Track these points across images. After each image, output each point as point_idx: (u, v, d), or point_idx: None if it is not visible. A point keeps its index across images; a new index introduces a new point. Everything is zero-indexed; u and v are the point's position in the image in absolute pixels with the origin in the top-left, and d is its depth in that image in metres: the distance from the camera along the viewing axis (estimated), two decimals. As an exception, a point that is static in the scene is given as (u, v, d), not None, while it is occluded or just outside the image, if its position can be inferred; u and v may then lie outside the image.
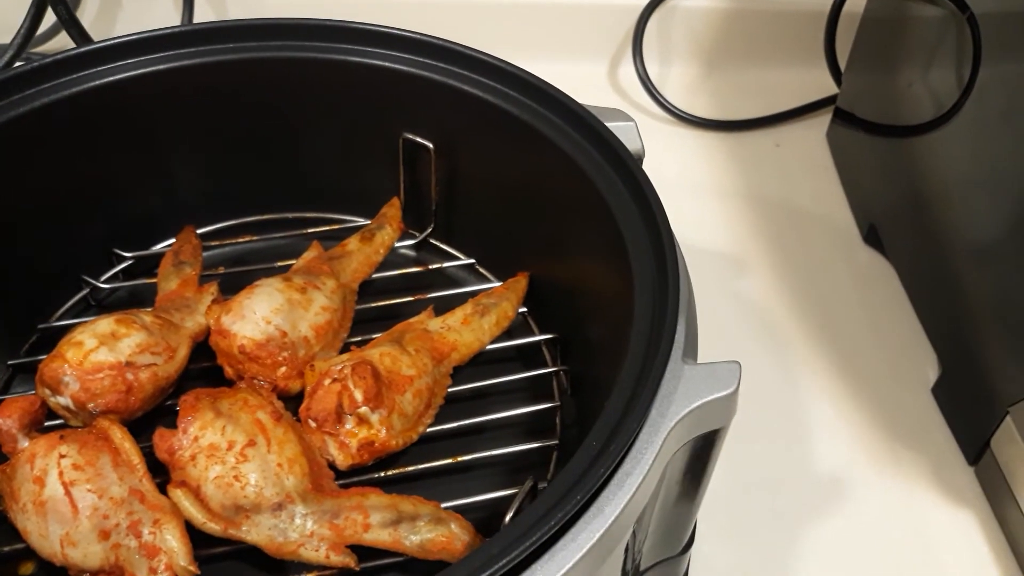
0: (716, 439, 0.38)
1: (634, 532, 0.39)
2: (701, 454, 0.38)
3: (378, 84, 0.52)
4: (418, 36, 0.51)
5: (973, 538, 0.53)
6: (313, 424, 0.43)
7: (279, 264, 0.53)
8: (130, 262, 0.54)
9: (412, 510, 0.40)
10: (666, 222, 0.41)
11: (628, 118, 0.49)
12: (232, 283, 0.52)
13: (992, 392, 0.54)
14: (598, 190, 0.45)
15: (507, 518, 0.37)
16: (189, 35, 0.52)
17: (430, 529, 0.39)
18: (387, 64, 0.52)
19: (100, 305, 0.54)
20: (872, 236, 0.70)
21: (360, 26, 0.52)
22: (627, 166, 0.44)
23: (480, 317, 0.50)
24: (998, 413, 0.53)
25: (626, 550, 0.40)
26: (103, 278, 0.54)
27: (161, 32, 0.51)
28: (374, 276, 0.54)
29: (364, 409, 0.42)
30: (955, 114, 0.59)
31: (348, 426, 0.43)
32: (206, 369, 0.48)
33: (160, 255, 0.54)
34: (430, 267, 0.56)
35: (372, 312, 0.52)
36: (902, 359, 0.62)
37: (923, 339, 0.63)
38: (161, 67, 0.51)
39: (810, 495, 0.55)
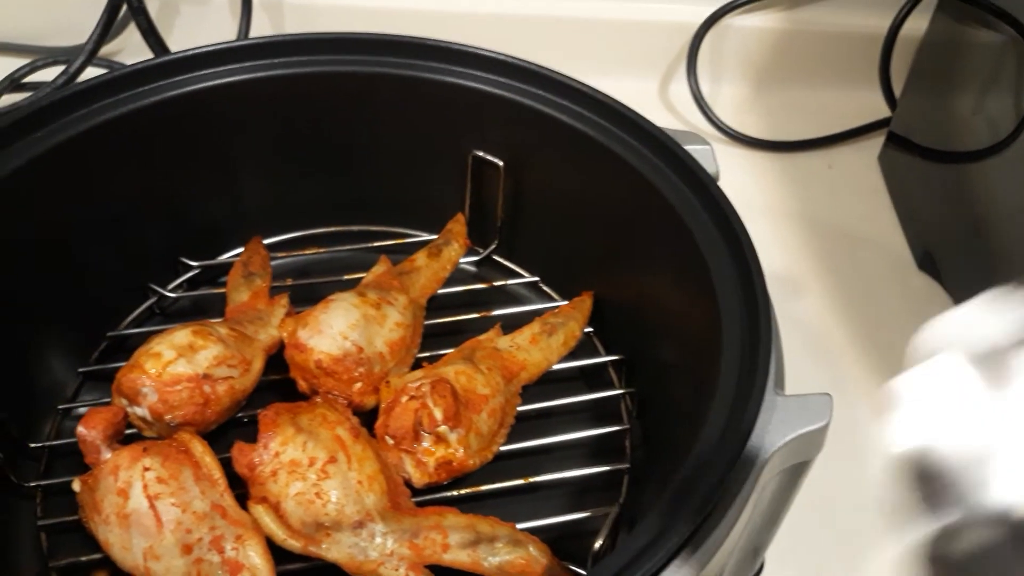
0: (803, 471, 0.37)
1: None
2: (788, 484, 0.38)
3: (449, 101, 0.53)
4: (491, 54, 0.52)
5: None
6: (390, 441, 0.43)
7: (346, 277, 0.54)
8: (196, 271, 0.55)
9: (490, 531, 0.40)
10: (752, 250, 0.41)
11: (704, 142, 0.49)
12: (300, 295, 0.52)
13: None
14: (677, 213, 0.45)
15: (597, 544, 0.37)
16: (264, 47, 0.52)
17: (509, 551, 0.39)
18: (458, 81, 0.52)
19: (165, 314, 0.54)
20: (927, 262, 0.69)
21: (431, 43, 0.52)
22: (708, 190, 0.44)
23: (548, 336, 0.50)
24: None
25: (707, 578, 0.40)
26: (170, 287, 0.54)
27: (238, 44, 0.51)
28: (439, 292, 0.54)
29: (443, 428, 0.42)
30: (1013, 141, 0.59)
31: (425, 444, 0.43)
32: (277, 382, 0.48)
33: (226, 265, 0.54)
34: (494, 284, 0.56)
35: (438, 328, 0.52)
36: (960, 387, 0.61)
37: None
38: (235, 79, 0.52)
39: (869, 520, 0.54)
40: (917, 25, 0.71)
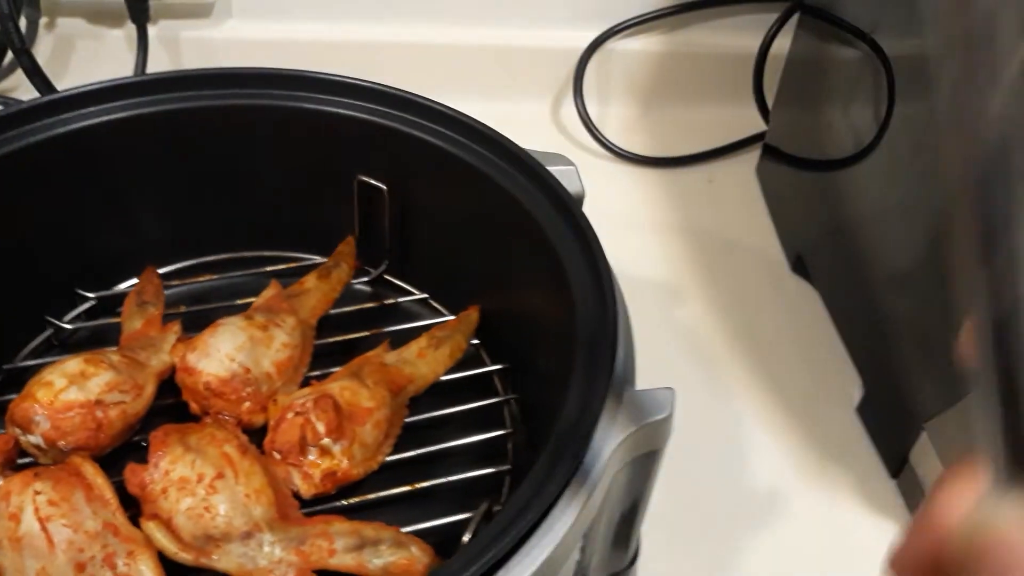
0: (655, 459, 0.41)
1: (582, 548, 0.42)
2: (641, 474, 0.41)
3: (332, 130, 0.55)
4: (370, 85, 0.54)
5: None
6: (278, 456, 0.45)
7: (239, 302, 0.56)
8: (93, 302, 0.56)
9: (374, 535, 0.43)
10: (604, 258, 0.45)
11: (569, 162, 0.53)
12: (194, 321, 0.54)
13: (910, 410, 0.58)
14: (541, 228, 0.49)
15: (465, 538, 0.40)
16: (149, 84, 0.54)
17: (392, 552, 0.42)
18: (340, 111, 0.55)
19: (63, 345, 0.55)
20: (799, 265, 0.74)
21: (314, 75, 0.55)
22: (568, 207, 0.48)
23: (435, 349, 0.53)
24: (916, 429, 0.58)
25: (576, 566, 0.43)
26: (66, 318, 0.55)
27: (123, 81, 0.53)
28: (331, 312, 0.57)
29: (326, 440, 0.45)
30: (872, 150, 0.64)
31: (311, 457, 0.45)
32: (171, 405, 0.50)
33: (123, 295, 0.56)
34: (385, 302, 0.58)
35: (330, 347, 0.55)
36: (828, 380, 0.66)
37: (847, 361, 0.67)
38: (123, 115, 0.53)
39: (744, 510, 0.59)
40: (786, 43, 0.76)
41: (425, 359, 0.53)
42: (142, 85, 0.54)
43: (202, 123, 0.55)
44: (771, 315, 0.71)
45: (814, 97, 0.74)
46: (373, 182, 0.56)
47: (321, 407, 0.45)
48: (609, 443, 0.37)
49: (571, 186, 0.50)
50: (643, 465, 0.41)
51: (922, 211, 0.58)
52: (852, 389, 0.66)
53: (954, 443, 0.54)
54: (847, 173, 0.68)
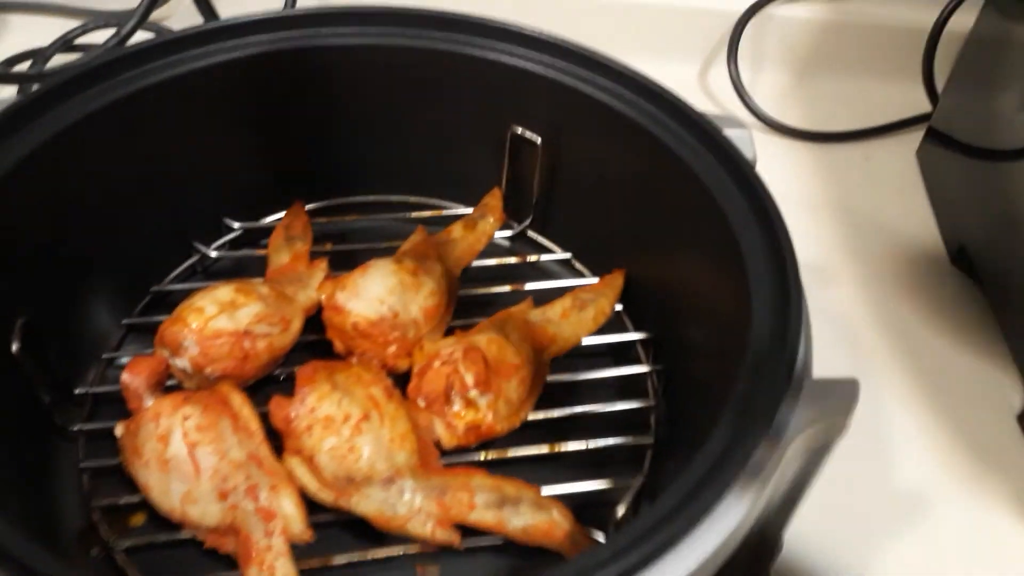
0: (824, 455, 0.38)
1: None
2: (808, 467, 0.39)
3: (490, 77, 0.53)
4: (532, 32, 0.52)
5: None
6: (422, 403, 0.44)
7: (384, 244, 0.55)
8: (239, 232, 0.56)
9: (515, 494, 0.41)
10: (786, 231, 0.42)
11: (742, 126, 0.49)
12: (339, 260, 0.53)
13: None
14: (712, 195, 0.46)
15: (620, 512, 0.38)
16: (308, 18, 0.53)
17: (533, 514, 0.40)
18: (499, 57, 0.53)
19: (207, 272, 0.56)
20: (961, 258, 0.69)
21: (476, 20, 0.53)
22: (744, 173, 0.45)
23: (579, 311, 0.51)
24: (1085, 445, 0.53)
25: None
26: (213, 246, 0.55)
27: (286, 13, 0.52)
28: (473, 264, 0.55)
29: (473, 392, 0.43)
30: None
31: (456, 408, 0.44)
32: (314, 342, 0.49)
33: (268, 228, 0.56)
34: (527, 259, 0.57)
35: (471, 298, 0.53)
36: (987, 384, 0.62)
37: (1010, 366, 0.62)
38: (281, 46, 0.52)
39: (891, 513, 0.55)
40: (963, 20, 0.71)
41: (568, 320, 0.51)
42: (302, 18, 0.53)
43: (358, 61, 0.54)
44: (927, 308, 0.66)
45: (993, 81, 0.68)
46: (528, 134, 0.54)
47: (471, 358, 0.43)
48: (788, 433, 0.35)
49: (745, 151, 0.47)
50: (812, 459, 0.38)
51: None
52: (1014, 396, 0.61)
53: None
54: (1022, 165, 0.62)
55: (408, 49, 0.53)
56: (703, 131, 0.47)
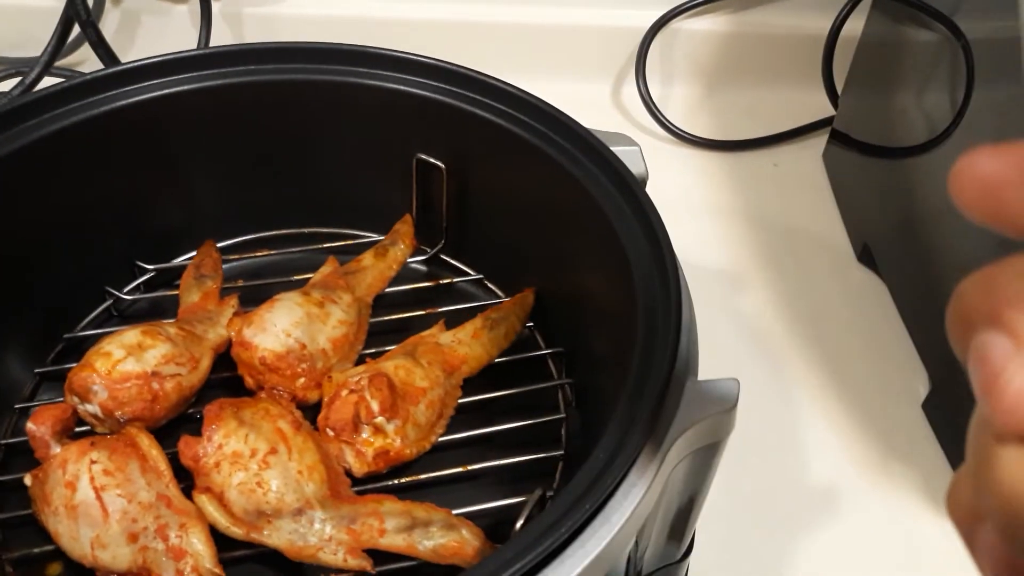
0: (715, 452, 0.40)
1: (636, 540, 0.41)
2: (701, 466, 0.40)
3: (393, 107, 0.55)
4: (431, 61, 0.54)
5: (962, 547, 0.55)
6: (331, 433, 0.45)
7: (296, 277, 0.55)
8: (152, 274, 0.56)
9: (425, 516, 0.42)
10: (668, 243, 0.43)
11: (633, 143, 0.51)
12: (251, 296, 0.54)
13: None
14: (603, 211, 0.47)
15: (518, 525, 0.39)
16: (211, 57, 0.54)
17: (443, 534, 0.41)
18: (402, 87, 0.54)
19: (122, 316, 0.56)
20: (866, 255, 0.72)
21: (374, 50, 0.54)
22: (631, 189, 0.47)
23: (489, 331, 0.52)
24: (985, 428, 0.55)
25: (629, 557, 0.42)
26: (126, 289, 0.56)
27: (185, 54, 0.53)
28: (386, 290, 0.56)
29: (380, 419, 0.44)
30: (948, 137, 0.61)
31: (364, 435, 0.45)
32: (227, 379, 0.50)
33: (181, 268, 0.56)
34: (440, 282, 0.58)
35: (385, 325, 0.54)
36: (893, 375, 0.64)
37: (914, 356, 0.65)
38: (185, 88, 0.53)
39: (804, 506, 0.57)
40: (857, 25, 0.74)
41: (480, 340, 0.52)
42: (204, 58, 0.54)
43: (263, 97, 0.55)
44: (836, 306, 0.69)
45: (887, 82, 0.71)
46: (432, 160, 0.56)
47: (376, 385, 0.44)
48: (670, 434, 0.36)
49: (635, 167, 0.48)
50: (703, 457, 0.39)
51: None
52: (918, 384, 0.63)
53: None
54: (920, 161, 0.65)
55: (309, 83, 0.54)
56: (593, 150, 0.49)
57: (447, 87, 0.54)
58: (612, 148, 0.49)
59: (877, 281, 0.70)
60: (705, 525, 0.49)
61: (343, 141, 0.57)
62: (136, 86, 0.53)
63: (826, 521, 0.56)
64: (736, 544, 0.54)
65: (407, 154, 0.56)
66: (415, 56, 0.54)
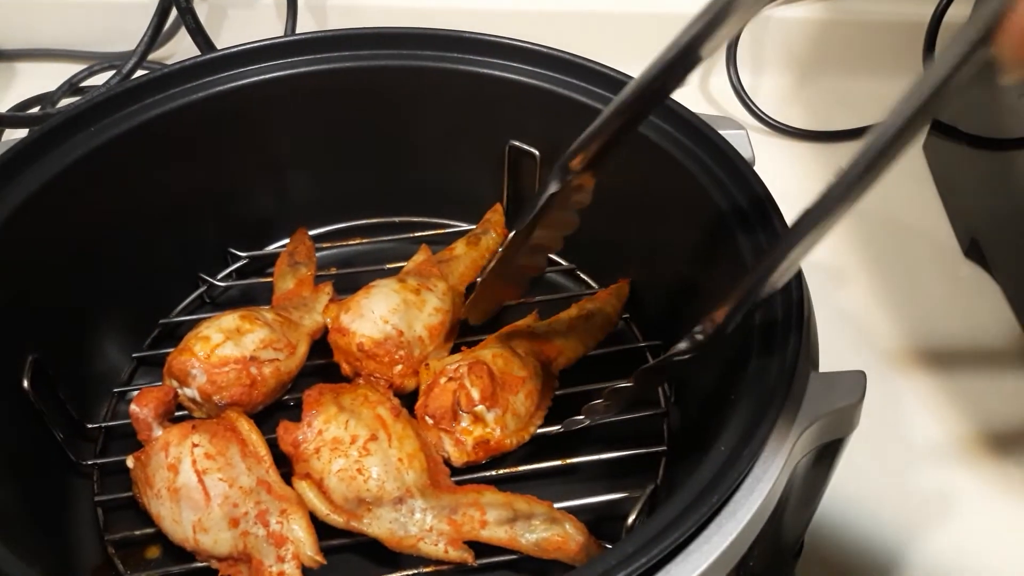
0: (838, 449, 0.38)
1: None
2: (822, 463, 0.38)
3: (486, 92, 0.54)
4: (524, 44, 0.52)
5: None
6: (430, 421, 0.44)
7: (388, 266, 0.55)
8: (244, 262, 0.56)
9: (527, 509, 0.41)
10: (785, 226, 0.41)
11: (739, 126, 0.49)
12: (344, 284, 0.53)
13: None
14: (709, 195, 0.45)
15: (630, 520, 0.37)
16: (305, 43, 0.53)
17: (546, 528, 0.40)
18: (493, 72, 0.53)
19: (215, 302, 0.56)
20: (974, 250, 0.68)
21: (468, 35, 0.53)
22: (743, 174, 0.45)
23: (585, 321, 0.51)
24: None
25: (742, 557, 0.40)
26: (219, 276, 0.56)
27: (281, 40, 0.53)
28: (478, 280, 0.55)
29: (480, 408, 0.43)
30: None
31: (464, 424, 0.44)
32: (322, 366, 0.49)
33: (273, 255, 0.56)
34: (532, 272, 0.56)
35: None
36: (1006, 375, 0.61)
37: (1029, 355, 0.61)
38: (279, 74, 0.53)
39: (914, 509, 0.54)
40: (961, 10, 0.70)
41: (575, 331, 0.51)
42: (298, 44, 0.53)
43: (355, 84, 0.54)
44: (942, 302, 0.66)
45: (992, 71, 0.68)
46: (525, 147, 0.54)
47: (476, 373, 0.43)
48: (795, 428, 0.34)
49: (743, 151, 0.46)
50: (826, 454, 0.37)
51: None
52: (1034, 386, 0.60)
53: None
54: (1027, 153, 0.62)
55: (399, 69, 0.54)
56: (699, 133, 0.47)
57: (540, 71, 0.53)
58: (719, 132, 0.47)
59: (986, 277, 0.67)
60: (816, 525, 0.46)
61: (435, 128, 0.56)
62: (232, 71, 0.52)
63: (939, 524, 0.53)
64: (846, 545, 0.52)
65: (499, 141, 0.55)
66: (507, 40, 0.53)
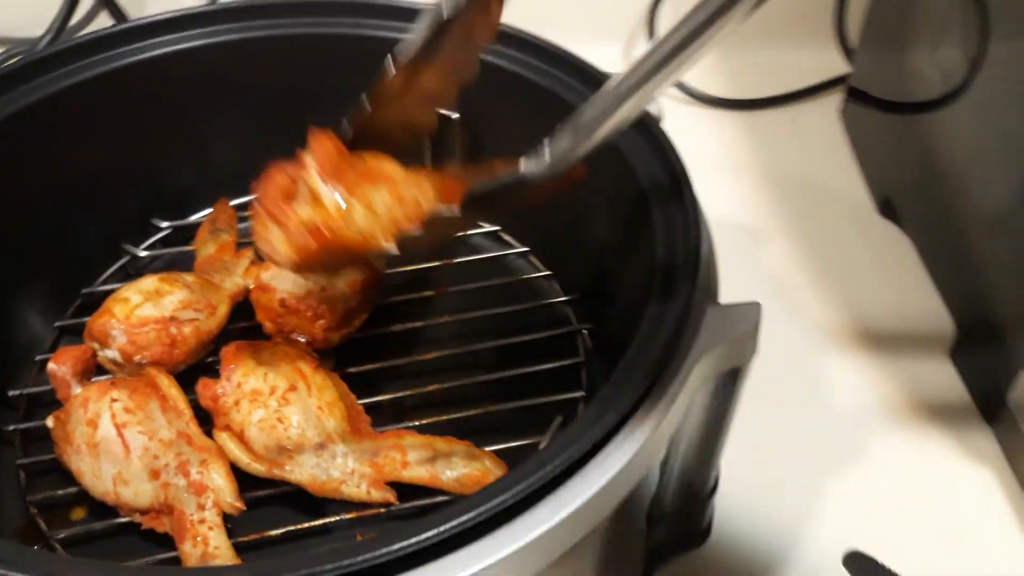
0: (738, 379, 0.39)
1: (662, 471, 0.41)
2: (724, 394, 0.40)
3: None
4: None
5: (992, 492, 0.54)
6: (264, 216, 0.36)
7: (311, 232, 0.55)
8: (167, 231, 0.56)
9: (447, 448, 0.42)
10: (684, 171, 0.43)
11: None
12: (266, 250, 0.54)
13: (1008, 352, 0.55)
14: (620, 151, 0.47)
15: (540, 447, 0.38)
16: (220, 13, 0.54)
17: (465, 464, 0.41)
18: (409, 36, 0.54)
19: (138, 272, 0.56)
20: (887, 208, 0.71)
21: (381, 3, 0.54)
22: (650, 130, 0.46)
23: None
24: (1013, 371, 0.55)
25: (656, 493, 0.41)
26: (142, 247, 0.56)
27: (194, 10, 0.53)
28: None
29: (316, 180, 0.35)
30: (966, 89, 0.61)
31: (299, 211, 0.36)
32: (244, 329, 0.50)
33: (196, 225, 0.56)
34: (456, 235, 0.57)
35: (401, 277, 0.54)
36: (919, 323, 0.63)
37: (939, 304, 0.64)
38: (194, 44, 0.54)
39: (830, 453, 0.56)
40: (870, -19, 0.73)
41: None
42: (213, 15, 0.54)
43: (271, 53, 0.55)
44: (858, 258, 0.68)
45: (902, 37, 0.70)
46: (444, 112, 0.55)
47: (318, 139, 0.36)
48: (693, 354, 0.36)
49: (650, 110, 0.48)
50: (725, 385, 0.39)
51: (1021, 151, 0.55)
52: (944, 332, 0.63)
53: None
54: (939, 115, 0.64)
55: (316, 36, 0.54)
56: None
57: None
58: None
59: (899, 233, 0.69)
60: (730, 468, 0.48)
61: (353, 94, 0.57)
62: (146, 42, 0.53)
63: (853, 464, 0.55)
64: (762, 487, 0.54)
65: (420, 106, 0.56)
66: (420, 6, 0.54)
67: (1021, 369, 0.54)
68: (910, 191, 0.69)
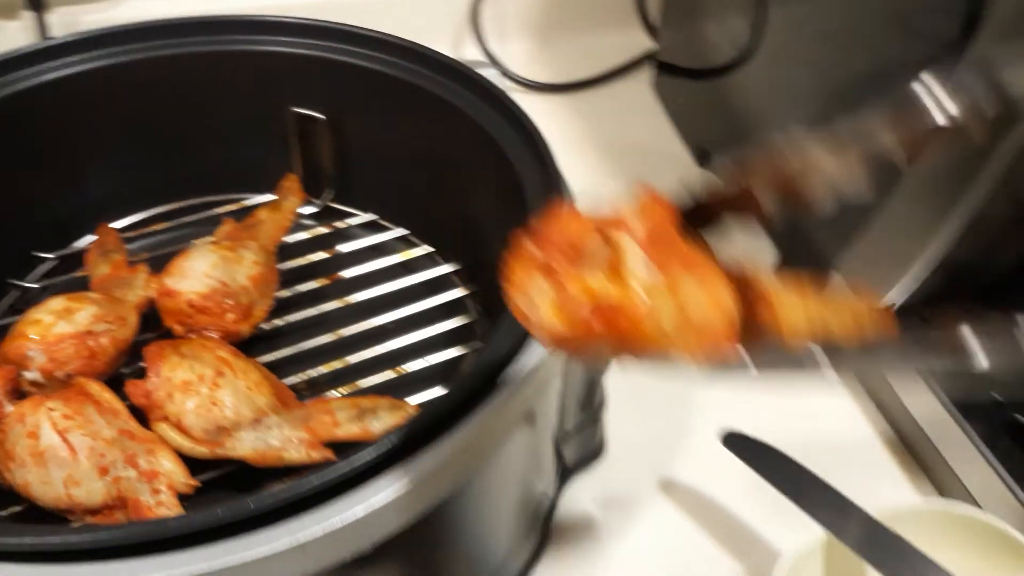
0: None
1: (561, 395, 0.47)
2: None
3: (261, 67, 0.58)
4: (291, 20, 0.58)
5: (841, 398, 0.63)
6: (533, 266, 0.31)
7: (197, 242, 0.58)
8: (54, 262, 0.58)
9: (371, 404, 0.46)
10: (538, 132, 0.49)
11: (488, 66, 0.57)
12: (157, 265, 0.56)
13: (820, 261, 0.65)
14: (479, 125, 0.53)
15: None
16: (81, 43, 0.56)
17: (390, 415, 0.46)
18: (267, 48, 0.58)
19: (29, 304, 0.56)
20: (703, 159, 0.81)
21: (235, 18, 0.58)
22: (499, 98, 0.52)
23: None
24: (826, 272, 0.64)
25: (558, 420, 0.48)
26: (29, 279, 0.57)
27: (55, 42, 0.56)
28: (287, 240, 0.59)
29: (635, 254, 0.29)
30: (754, 52, 0.71)
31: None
32: (154, 339, 0.52)
33: (82, 251, 0.58)
34: (336, 226, 0.62)
35: (291, 270, 0.58)
36: (744, 251, 0.73)
37: (761, 234, 0.74)
38: (56, 75, 0.56)
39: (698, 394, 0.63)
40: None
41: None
42: (74, 45, 0.56)
43: (135, 77, 0.57)
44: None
45: (696, 12, 0.81)
46: (308, 112, 0.59)
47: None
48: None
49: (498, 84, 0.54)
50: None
51: (805, 100, 0.65)
52: (767, 257, 0.72)
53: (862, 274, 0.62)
54: (736, 76, 0.74)
55: (178, 57, 0.57)
56: (460, 73, 0.54)
57: (312, 41, 0.58)
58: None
59: (715, 179, 0.79)
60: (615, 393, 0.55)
61: (219, 109, 0.60)
62: (10, 76, 0.54)
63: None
64: (641, 404, 0.60)
65: (283, 111, 0.60)
66: (275, 17, 0.58)
67: (833, 269, 0.64)
68: (721, 142, 0.79)
